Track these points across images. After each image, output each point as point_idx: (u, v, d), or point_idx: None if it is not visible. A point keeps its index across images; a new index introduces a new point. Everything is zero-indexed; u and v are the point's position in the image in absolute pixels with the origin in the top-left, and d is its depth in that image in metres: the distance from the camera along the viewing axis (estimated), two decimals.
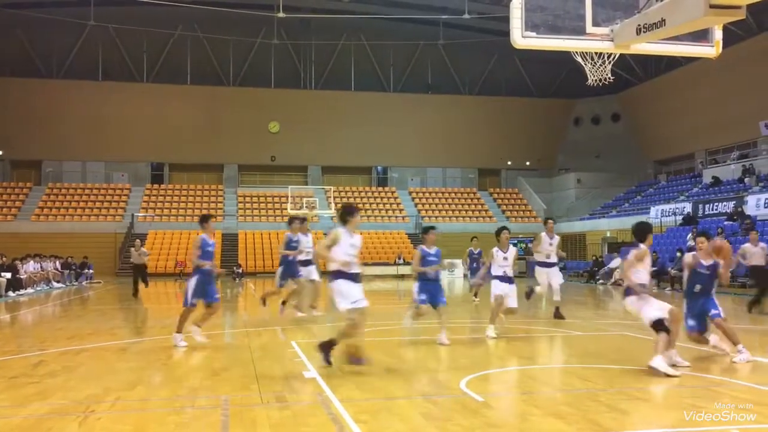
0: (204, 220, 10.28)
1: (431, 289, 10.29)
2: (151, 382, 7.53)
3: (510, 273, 11.04)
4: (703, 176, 37.93)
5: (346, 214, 8.15)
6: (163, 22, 43.18)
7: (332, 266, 7.94)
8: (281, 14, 36.81)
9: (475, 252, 19.14)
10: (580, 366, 8.04)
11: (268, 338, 11.32)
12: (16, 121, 43.51)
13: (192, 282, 10.07)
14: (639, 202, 41.27)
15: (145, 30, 43.12)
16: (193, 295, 10.00)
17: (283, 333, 11.96)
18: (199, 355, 9.32)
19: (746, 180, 32.80)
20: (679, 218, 31.97)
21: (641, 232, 8.00)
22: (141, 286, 21.92)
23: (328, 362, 7.93)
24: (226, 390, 6.91)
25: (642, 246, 7.79)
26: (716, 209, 30.57)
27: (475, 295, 18.02)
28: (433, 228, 10.63)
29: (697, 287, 8.43)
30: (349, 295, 7.80)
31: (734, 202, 29.53)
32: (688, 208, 32.62)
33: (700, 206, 31.88)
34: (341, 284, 7.82)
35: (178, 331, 9.99)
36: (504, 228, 11.37)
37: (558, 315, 13.36)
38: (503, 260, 11.02)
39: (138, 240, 23.45)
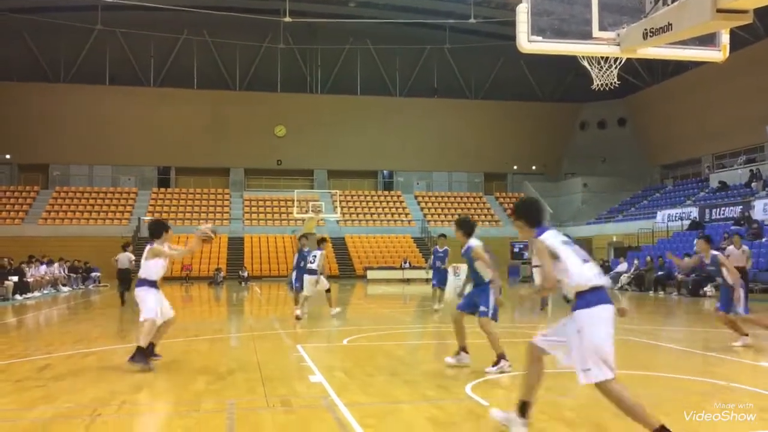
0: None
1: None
2: (157, 385, 7.53)
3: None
4: (710, 181, 37.79)
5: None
6: (170, 26, 43.39)
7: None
8: (288, 19, 36.91)
9: (441, 250, 16.65)
10: None
11: (274, 342, 11.32)
12: (24, 125, 43.72)
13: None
14: (645, 206, 41.14)
15: (152, 34, 43.32)
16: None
17: (288, 337, 11.97)
18: (205, 360, 9.33)
19: (753, 185, 32.64)
20: (686, 223, 31.86)
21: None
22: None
23: None
24: (232, 394, 6.91)
25: None
26: (723, 214, 30.45)
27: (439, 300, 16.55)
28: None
29: None
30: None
31: (741, 206, 29.41)
32: (694, 212, 32.49)
33: (707, 211, 31.75)
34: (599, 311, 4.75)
35: None
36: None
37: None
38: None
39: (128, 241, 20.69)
